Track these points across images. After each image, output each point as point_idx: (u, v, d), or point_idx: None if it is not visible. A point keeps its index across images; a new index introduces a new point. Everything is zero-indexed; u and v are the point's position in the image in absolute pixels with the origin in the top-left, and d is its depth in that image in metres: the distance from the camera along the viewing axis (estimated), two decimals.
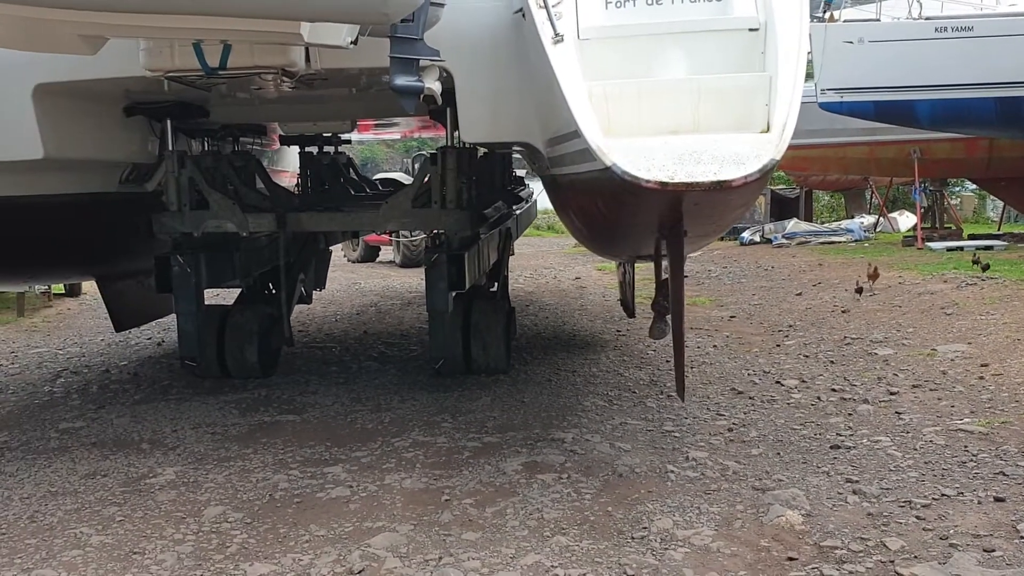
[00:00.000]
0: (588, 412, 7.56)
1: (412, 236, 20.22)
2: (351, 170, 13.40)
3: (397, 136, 22.29)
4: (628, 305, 11.25)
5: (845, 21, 16.97)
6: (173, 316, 10.44)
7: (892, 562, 4.56)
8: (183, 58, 5.88)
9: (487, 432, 7.03)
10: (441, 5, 5.63)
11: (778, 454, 6.31)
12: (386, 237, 20.47)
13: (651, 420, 7.26)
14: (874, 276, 13.13)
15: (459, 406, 7.79)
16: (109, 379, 9.48)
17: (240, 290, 10.05)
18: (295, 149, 13.62)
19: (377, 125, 15.51)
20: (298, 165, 13.32)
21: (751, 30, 5.50)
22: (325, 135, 12.06)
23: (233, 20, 4.83)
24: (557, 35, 5.42)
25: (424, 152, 25.49)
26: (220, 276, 9.15)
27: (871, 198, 29.19)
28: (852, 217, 26.51)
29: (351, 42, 5.65)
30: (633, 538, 4.93)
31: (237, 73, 6.08)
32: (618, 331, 11.60)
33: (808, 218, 26.84)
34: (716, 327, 11.72)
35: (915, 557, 4.61)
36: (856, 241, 21.97)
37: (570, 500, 5.52)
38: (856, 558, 4.64)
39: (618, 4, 5.80)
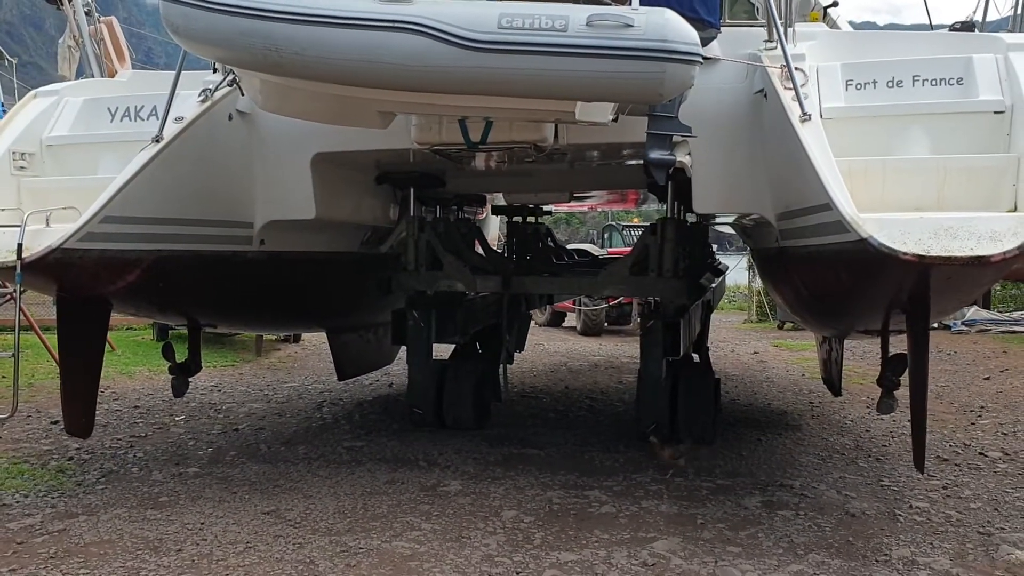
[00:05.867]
0: (806, 467, 8.34)
1: (594, 306, 21.42)
2: (550, 239, 14.57)
3: (586, 208, 23.65)
4: (834, 383, 10.86)
5: None
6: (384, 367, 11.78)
7: None
8: (449, 133, 6.71)
9: (717, 476, 7.93)
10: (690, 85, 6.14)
11: (996, 509, 6.96)
12: (571, 304, 21.67)
13: (867, 477, 7.98)
14: None
15: None
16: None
17: (454, 347, 10.88)
18: (493, 217, 14.90)
19: (573, 197, 16.62)
20: (497, 233, 14.38)
21: (996, 112, 5.71)
22: (530, 206, 12.98)
23: (523, 100, 5.25)
24: (805, 114, 5.69)
25: (613, 224, 27.02)
26: (445, 332, 10.01)
27: None
28: None
29: (612, 119, 6.22)
30: (878, 560, 5.75)
31: (494, 147, 6.86)
32: (811, 403, 12.23)
33: (986, 306, 26.41)
34: (907, 404, 12.13)
35: None
36: None
37: (812, 531, 6.37)
38: None
39: (859, 87, 6.15)
